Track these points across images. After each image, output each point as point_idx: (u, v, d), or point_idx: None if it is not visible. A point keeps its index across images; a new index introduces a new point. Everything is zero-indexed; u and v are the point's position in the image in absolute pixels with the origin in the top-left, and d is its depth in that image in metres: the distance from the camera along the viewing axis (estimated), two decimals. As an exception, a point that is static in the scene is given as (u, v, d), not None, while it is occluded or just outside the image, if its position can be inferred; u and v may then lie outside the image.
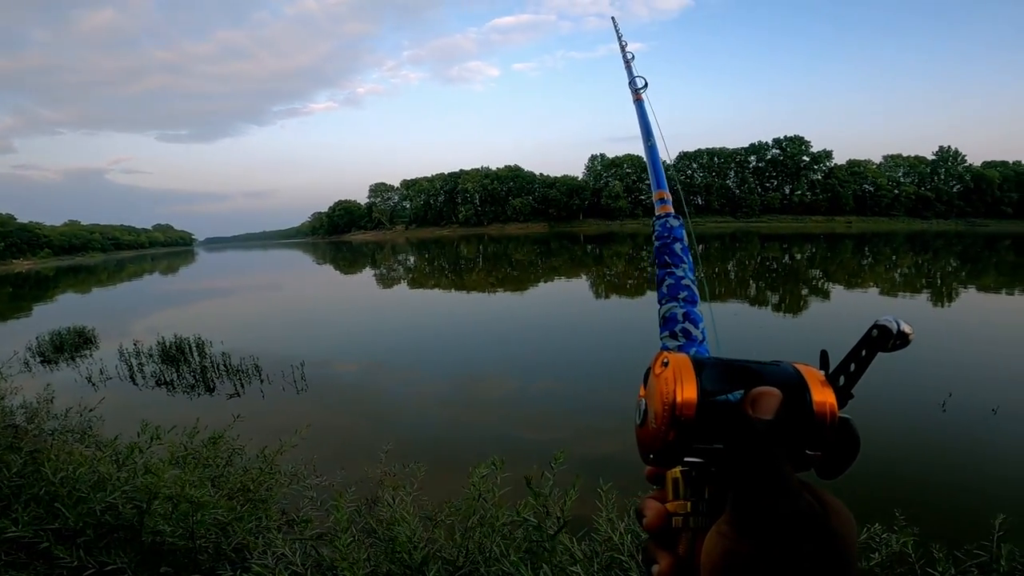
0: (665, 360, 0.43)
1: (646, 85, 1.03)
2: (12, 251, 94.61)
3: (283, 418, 6.85)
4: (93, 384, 8.98)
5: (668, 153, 0.98)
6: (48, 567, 1.74)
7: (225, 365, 9.35)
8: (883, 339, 0.40)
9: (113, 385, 8.95)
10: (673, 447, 0.41)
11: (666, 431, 0.41)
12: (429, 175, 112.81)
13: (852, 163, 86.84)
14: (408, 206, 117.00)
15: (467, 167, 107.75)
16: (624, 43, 1.17)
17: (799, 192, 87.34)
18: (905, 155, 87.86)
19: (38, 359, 11.07)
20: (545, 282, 24.15)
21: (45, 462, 2.18)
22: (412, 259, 45.32)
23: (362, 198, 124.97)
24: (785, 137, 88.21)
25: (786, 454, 0.39)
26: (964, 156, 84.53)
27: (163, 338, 10.38)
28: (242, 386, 8.60)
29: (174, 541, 1.86)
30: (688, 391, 0.41)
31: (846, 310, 14.54)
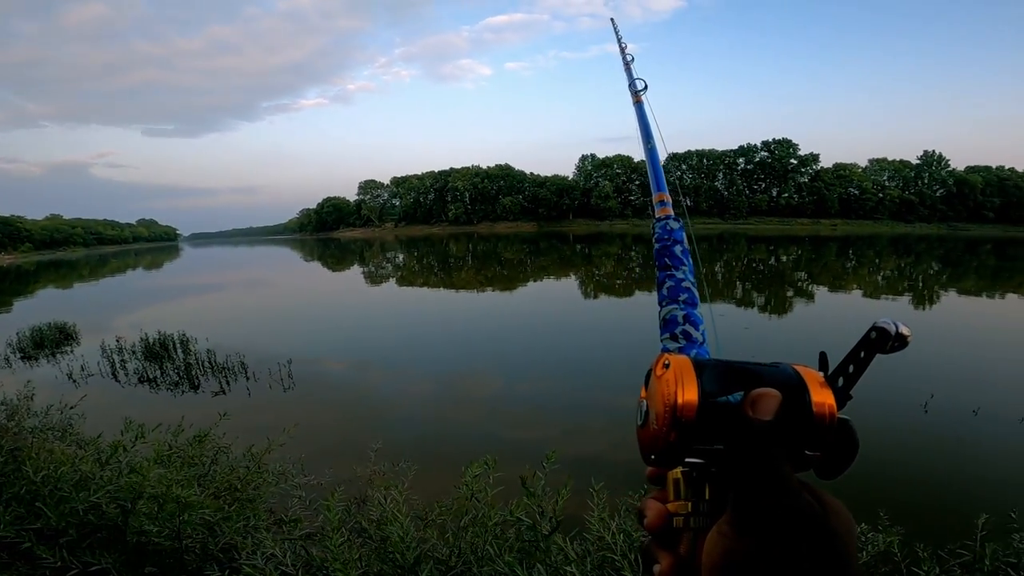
0: (666, 362, 0.43)
1: (646, 87, 1.03)
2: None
3: (270, 416, 6.78)
4: (74, 381, 8.82)
5: (663, 155, 0.99)
6: (31, 567, 1.70)
7: (210, 362, 9.23)
8: (882, 341, 0.41)
9: (95, 382, 8.80)
10: (674, 448, 0.42)
11: (667, 432, 0.41)
12: (419, 173, 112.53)
13: (838, 166, 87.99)
14: (398, 203, 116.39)
15: (458, 165, 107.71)
16: (624, 45, 1.17)
17: (786, 195, 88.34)
18: (890, 159, 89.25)
19: (18, 355, 10.84)
20: (534, 281, 24.18)
21: (26, 460, 2.14)
22: (401, 257, 45.10)
23: (351, 195, 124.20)
24: (773, 140, 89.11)
25: (786, 455, 0.40)
26: (948, 160, 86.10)
27: (146, 335, 10.22)
28: (228, 384, 8.50)
29: (160, 541, 1.83)
30: (689, 393, 0.41)
31: (829, 312, 14.76)
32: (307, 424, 5.48)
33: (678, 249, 0.73)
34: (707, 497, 0.45)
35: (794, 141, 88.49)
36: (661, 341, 0.66)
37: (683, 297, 0.68)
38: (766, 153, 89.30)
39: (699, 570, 0.41)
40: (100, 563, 1.72)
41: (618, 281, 23.26)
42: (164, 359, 9.66)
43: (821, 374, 0.44)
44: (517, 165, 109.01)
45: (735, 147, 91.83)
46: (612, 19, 1.26)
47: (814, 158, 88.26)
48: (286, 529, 1.99)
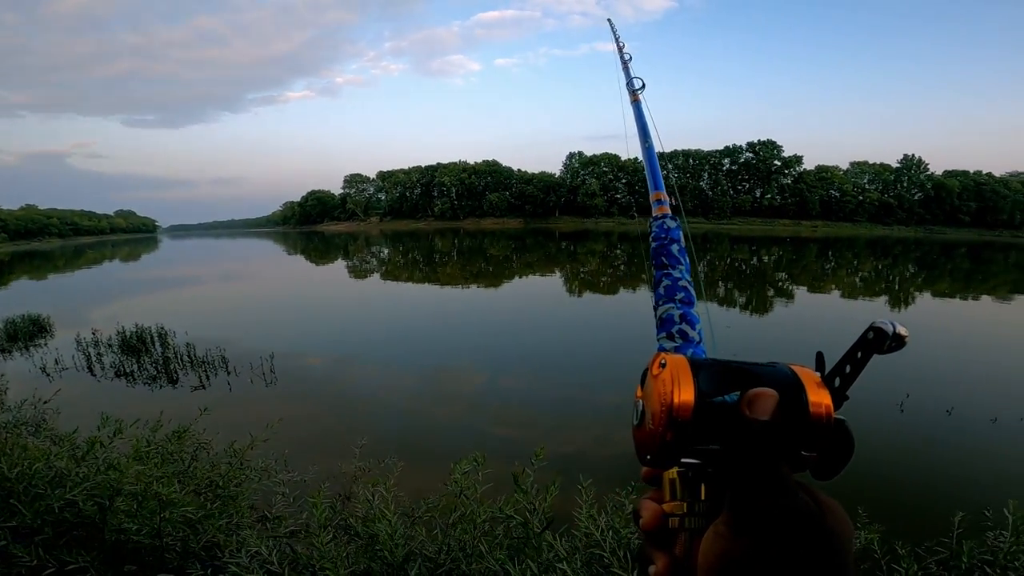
0: (663, 361, 0.43)
1: (644, 86, 1.03)
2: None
3: (251, 412, 6.70)
4: (48, 375, 8.60)
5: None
6: (6, 566, 1.66)
7: (189, 356, 9.06)
8: (879, 341, 0.41)
9: (69, 376, 8.59)
10: (670, 448, 0.41)
11: (663, 432, 0.41)
12: (406, 167, 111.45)
13: (820, 168, 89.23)
14: (383, 198, 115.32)
15: (445, 160, 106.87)
16: (622, 44, 1.17)
17: (769, 196, 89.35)
18: (871, 162, 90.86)
19: (-11, 348, 10.55)
20: (520, 278, 24.18)
21: (0, 457, 2.08)
22: (386, 251, 44.74)
23: (337, 188, 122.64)
24: (758, 141, 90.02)
25: (782, 455, 0.40)
26: (927, 165, 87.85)
27: (123, 327, 10.00)
28: (207, 378, 8.36)
29: (140, 539, 1.80)
30: (685, 392, 0.41)
31: (809, 312, 15.04)
32: (290, 420, 5.41)
33: (675, 248, 0.73)
34: (703, 498, 0.45)
35: (778, 142, 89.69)
36: (657, 340, 0.66)
37: (679, 296, 0.68)
38: (751, 154, 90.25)
39: (695, 571, 0.41)
40: (77, 561, 1.69)
41: (603, 279, 23.37)
42: (142, 352, 9.47)
43: (818, 374, 0.44)
44: (504, 161, 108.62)
45: (721, 147, 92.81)
46: (609, 20, 1.26)
47: (797, 160, 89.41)
48: (270, 526, 1.96)
